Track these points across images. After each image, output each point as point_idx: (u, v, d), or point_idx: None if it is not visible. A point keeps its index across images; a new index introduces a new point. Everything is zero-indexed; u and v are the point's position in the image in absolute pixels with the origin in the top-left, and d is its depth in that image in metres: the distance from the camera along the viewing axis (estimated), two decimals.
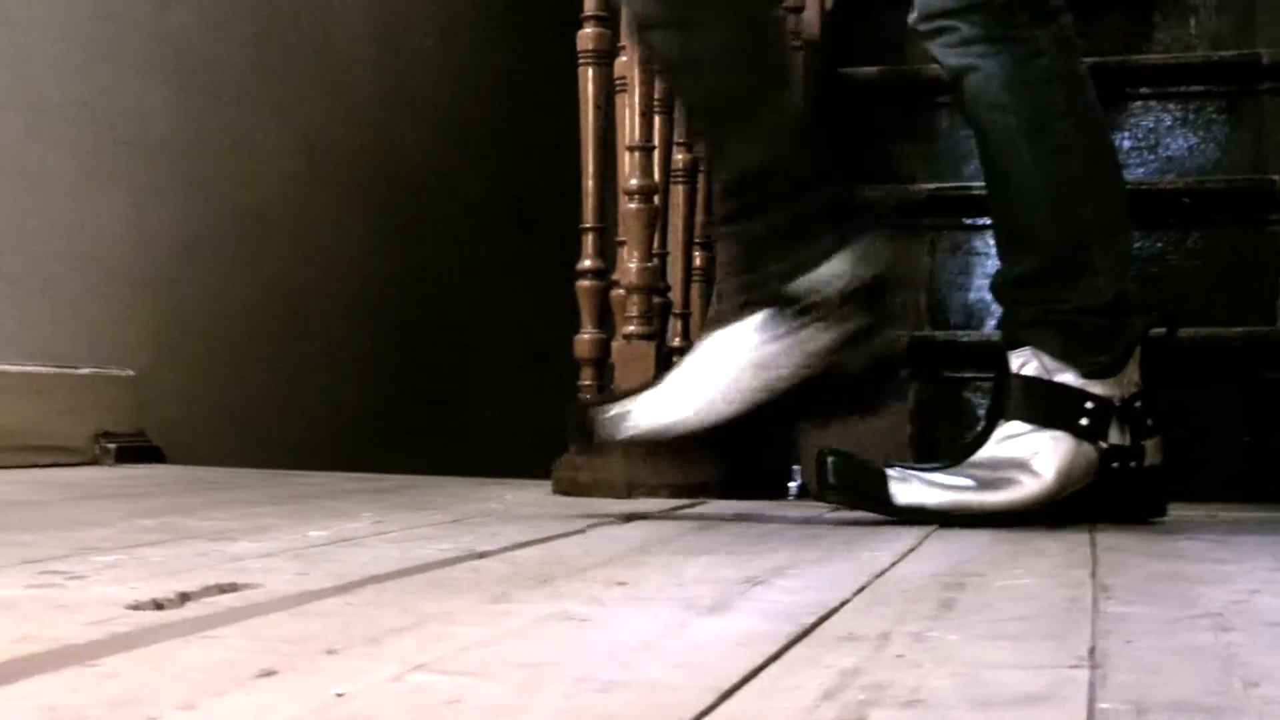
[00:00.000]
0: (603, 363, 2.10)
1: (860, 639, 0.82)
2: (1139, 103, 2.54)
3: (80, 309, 2.49)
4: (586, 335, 2.06)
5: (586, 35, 2.06)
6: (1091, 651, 0.78)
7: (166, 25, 2.66)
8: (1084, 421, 1.58)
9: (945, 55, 1.61)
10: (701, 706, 0.64)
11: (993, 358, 1.80)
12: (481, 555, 1.20)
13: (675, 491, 1.90)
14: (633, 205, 1.92)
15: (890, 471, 1.58)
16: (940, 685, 0.68)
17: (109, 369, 2.52)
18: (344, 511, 1.58)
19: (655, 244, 1.99)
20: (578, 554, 1.24)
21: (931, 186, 2.37)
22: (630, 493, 1.89)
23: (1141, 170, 2.54)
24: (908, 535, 1.44)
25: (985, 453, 1.60)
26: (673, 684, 0.69)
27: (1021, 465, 1.58)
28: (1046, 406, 1.59)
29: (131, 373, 2.56)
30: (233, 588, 0.97)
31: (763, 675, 0.71)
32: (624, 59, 2.01)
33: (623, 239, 2.00)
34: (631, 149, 1.91)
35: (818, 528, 1.55)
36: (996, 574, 1.14)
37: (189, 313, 2.72)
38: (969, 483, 1.58)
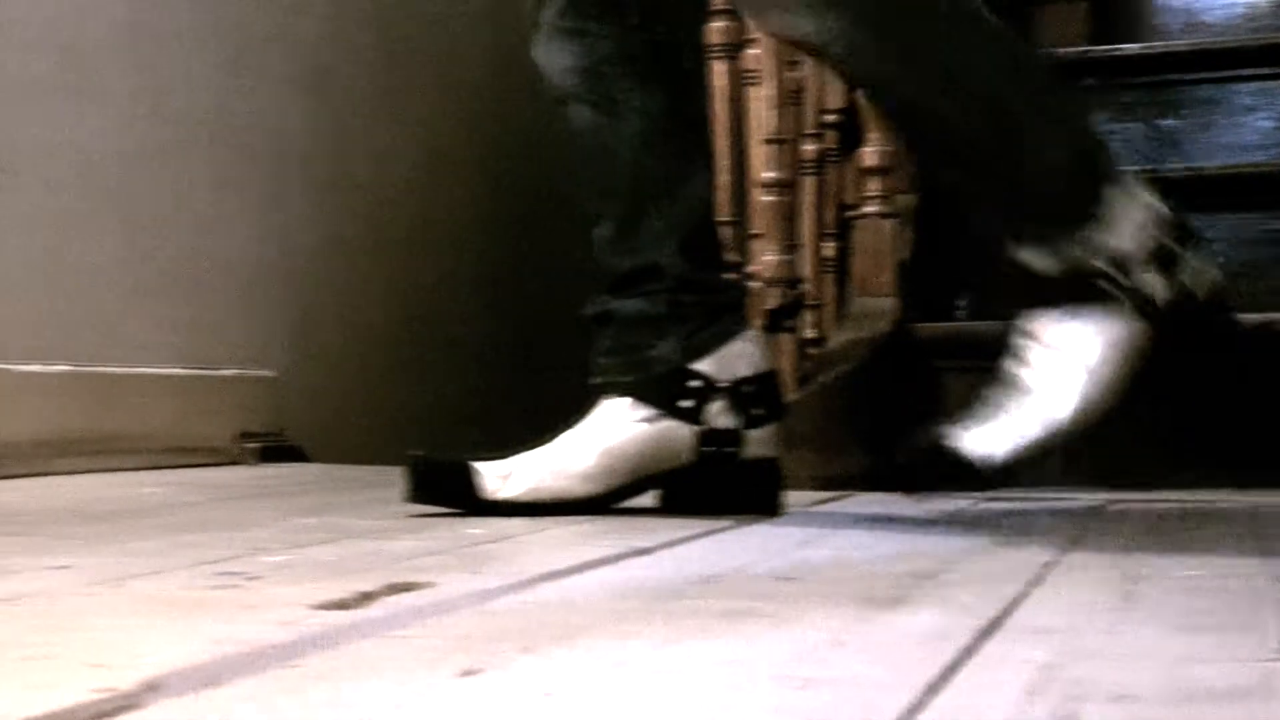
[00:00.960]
0: None
1: (1050, 632, 0.81)
2: None
3: (220, 311, 2.53)
4: None
5: (715, 28, 2.05)
6: None
7: (294, 34, 2.69)
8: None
9: None
10: (907, 703, 0.64)
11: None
12: (643, 552, 1.21)
13: (819, 484, 1.90)
14: (768, 198, 1.91)
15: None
16: (1144, 679, 0.68)
17: (250, 370, 2.56)
18: None
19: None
20: (739, 550, 1.24)
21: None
22: None
23: None
24: (1067, 526, 1.43)
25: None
26: (871, 680, 0.69)
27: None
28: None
29: (271, 373, 2.60)
30: (409, 587, 0.99)
31: (961, 671, 0.71)
32: (754, 51, 2.00)
33: (758, 232, 2.00)
34: (766, 141, 1.91)
35: (971, 519, 1.54)
36: (1170, 565, 1.12)
37: (323, 313, 2.76)
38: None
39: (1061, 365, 1.44)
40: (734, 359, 1.49)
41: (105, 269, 2.30)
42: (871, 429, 1.94)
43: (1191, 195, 2.35)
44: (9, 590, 0.97)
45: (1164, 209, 1.46)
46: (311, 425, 2.68)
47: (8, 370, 2.04)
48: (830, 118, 2.40)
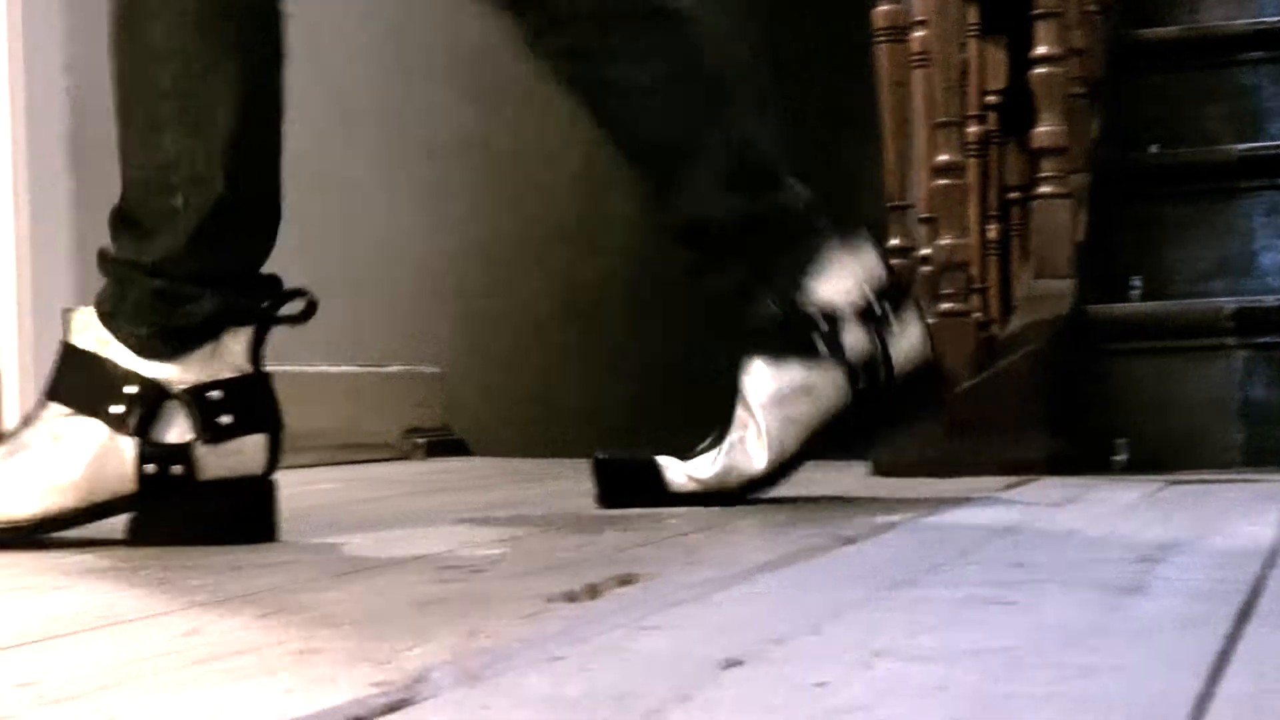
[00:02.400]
0: None
1: None
2: None
3: (387, 308, 2.57)
4: None
5: (881, 12, 2.04)
6: None
7: (453, 36, 2.72)
8: (117, 408, 1.21)
9: None
10: (1195, 692, 0.62)
11: None
12: (849, 540, 1.20)
13: (1000, 469, 1.87)
14: (943, 181, 1.89)
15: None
16: None
17: (416, 366, 2.59)
18: None
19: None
20: (947, 537, 1.23)
21: (1243, 147, 2.29)
22: (954, 472, 1.87)
23: None
24: (1274, 509, 1.40)
25: (15, 442, 1.24)
26: (1147, 668, 0.68)
27: (38, 460, 1.22)
28: (82, 385, 1.23)
29: (437, 369, 2.63)
30: (632, 579, 0.99)
31: (1235, 658, 0.69)
32: (921, 34, 1.98)
33: (930, 215, 1.98)
34: (939, 125, 1.89)
35: (1170, 500, 1.51)
36: None
37: (488, 309, 2.78)
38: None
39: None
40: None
41: (283, 268, 2.33)
42: (1052, 413, 1.91)
43: None
44: (242, 586, 0.99)
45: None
46: (475, 420, 2.70)
47: None
48: (991, 99, 2.38)
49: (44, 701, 0.64)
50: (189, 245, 1.25)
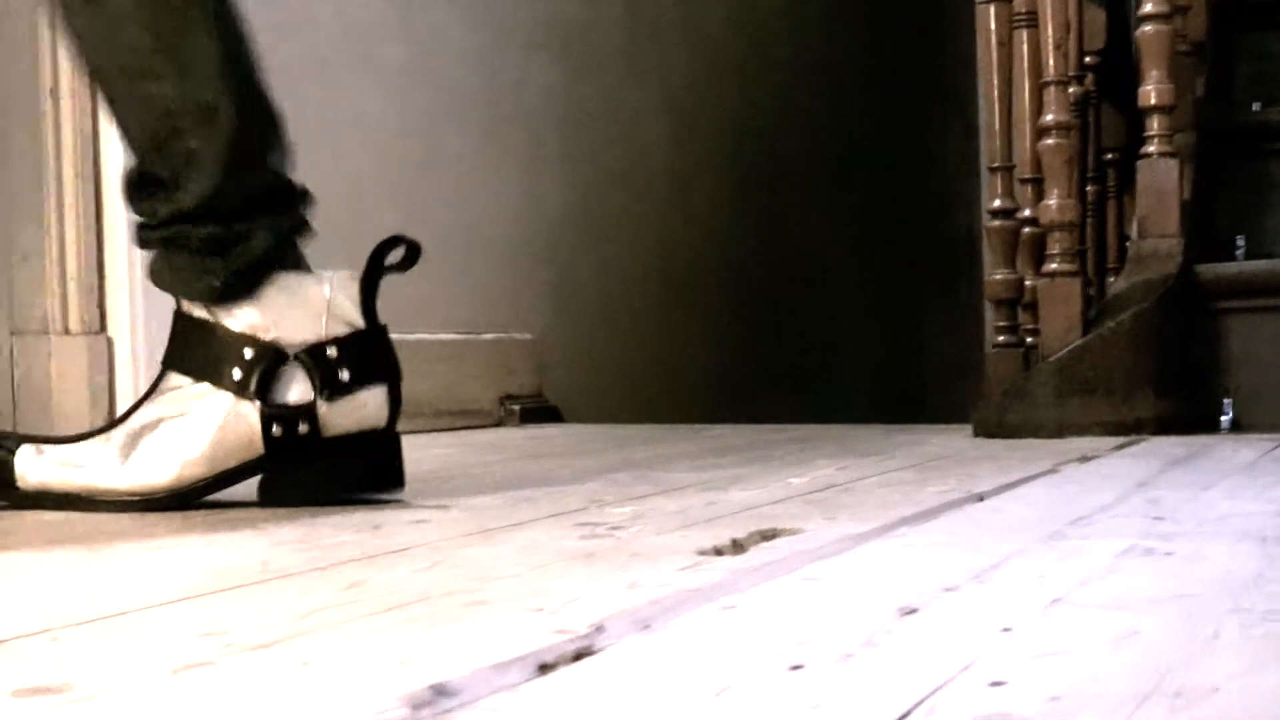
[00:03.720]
0: (1015, 303, 2.07)
1: None
2: None
3: (482, 277, 2.58)
4: (999, 276, 2.03)
5: None
6: None
7: (546, 5, 2.72)
8: (236, 374, 1.21)
9: None
10: None
11: None
12: (981, 497, 1.20)
13: (1107, 430, 1.86)
14: (1051, 141, 1.88)
15: (24, 449, 1.23)
16: None
17: (511, 334, 2.60)
18: (799, 460, 1.59)
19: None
20: (1078, 491, 1.23)
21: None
22: (1061, 432, 1.86)
23: None
24: None
25: (143, 414, 1.23)
26: None
27: (169, 432, 1.21)
28: (199, 353, 1.22)
29: (530, 336, 2.64)
30: (776, 534, 0.99)
31: None
32: None
33: (1036, 177, 1.97)
34: (1048, 84, 1.87)
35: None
36: None
37: (578, 277, 2.79)
38: (106, 457, 1.22)
39: (168, 424, 1.22)
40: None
41: (377, 239, 2.34)
42: (1160, 373, 1.90)
43: None
44: (392, 543, 1.00)
45: (360, 320, 1.25)
46: (567, 387, 2.71)
47: None
48: (1090, 59, 2.36)
49: (236, 650, 0.65)
50: (222, 178, 1.21)
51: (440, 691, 0.58)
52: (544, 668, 0.62)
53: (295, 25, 2.17)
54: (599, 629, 0.69)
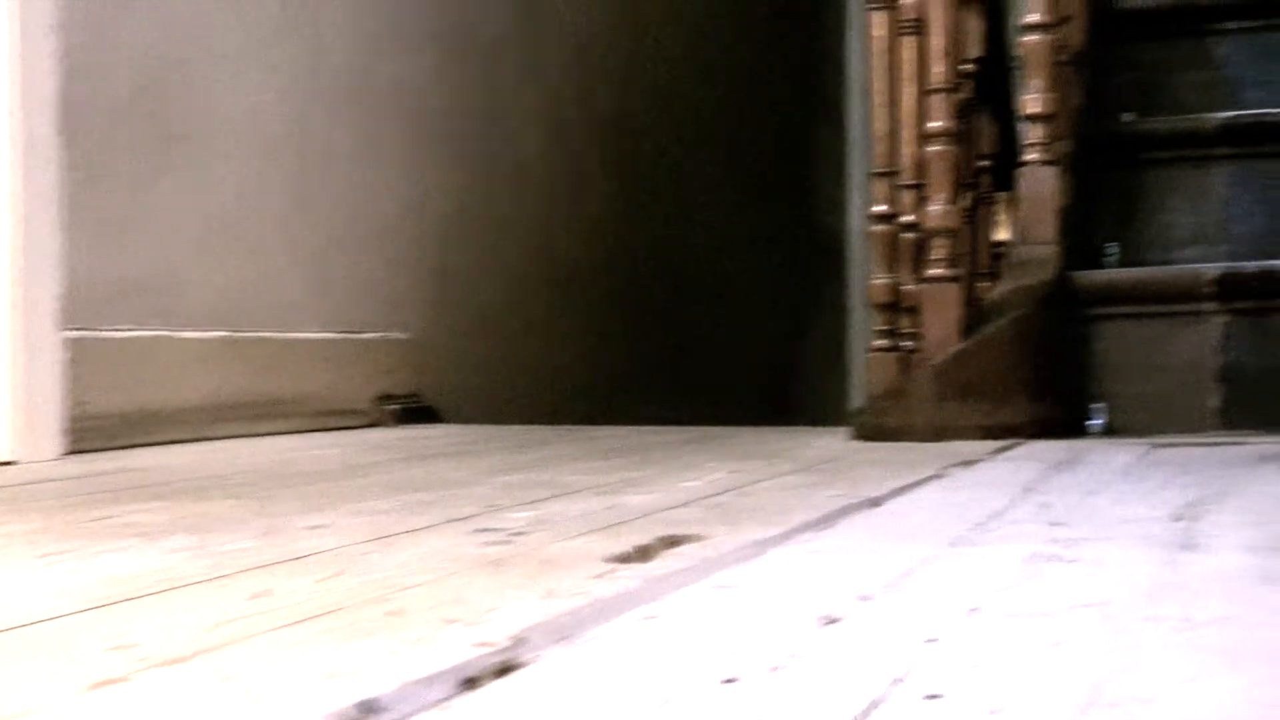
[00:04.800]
0: (894, 307, 2.09)
1: None
2: None
3: (360, 275, 2.54)
4: (880, 281, 2.05)
5: None
6: None
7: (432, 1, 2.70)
8: None
9: None
10: None
11: None
12: (876, 501, 1.21)
13: (984, 434, 1.89)
14: (935, 147, 1.90)
15: None
16: None
17: (388, 333, 2.57)
18: (689, 464, 1.59)
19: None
20: (969, 497, 1.24)
21: (1224, 116, 2.31)
22: (940, 436, 1.88)
23: None
24: (1272, 470, 1.42)
25: None
26: (1251, 620, 0.69)
27: None
28: None
29: (409, 335, 2.61)
30: (680, 540, 0.99)
31: None
32: (913, 1, 1.99)
33: (917, 182, 1.99)
34: (933, 90, 1.89)
35: (1165, 462, 1.53)
36: None
37: (457, 275, 2.76)
38: None
39: None
40: None
41: (265, 235, 2.31)
42: (1036, 378, 1.93)
43: None
44: (291, 550, 0.98)
45: None
46: (445, 387, 2.69)
47: (173, 337, 2.06)
48: (967, 67, 2.38)
49: (150, 664, 0.63)
50: None
51: (369, 709, 0.57)
52: (469, 682, 0.61)
53: (186, 20, 2.13)
54: (520, 641, 0.68)
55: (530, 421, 2.68)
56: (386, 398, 2.56)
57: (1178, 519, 1.06)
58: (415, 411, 2.59)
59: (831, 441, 1.92)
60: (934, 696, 0.56)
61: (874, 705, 0.55)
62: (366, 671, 0.62)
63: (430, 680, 0.60)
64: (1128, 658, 0.61)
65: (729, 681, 0.59)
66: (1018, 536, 0.98)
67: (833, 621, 0.70)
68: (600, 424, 2.51)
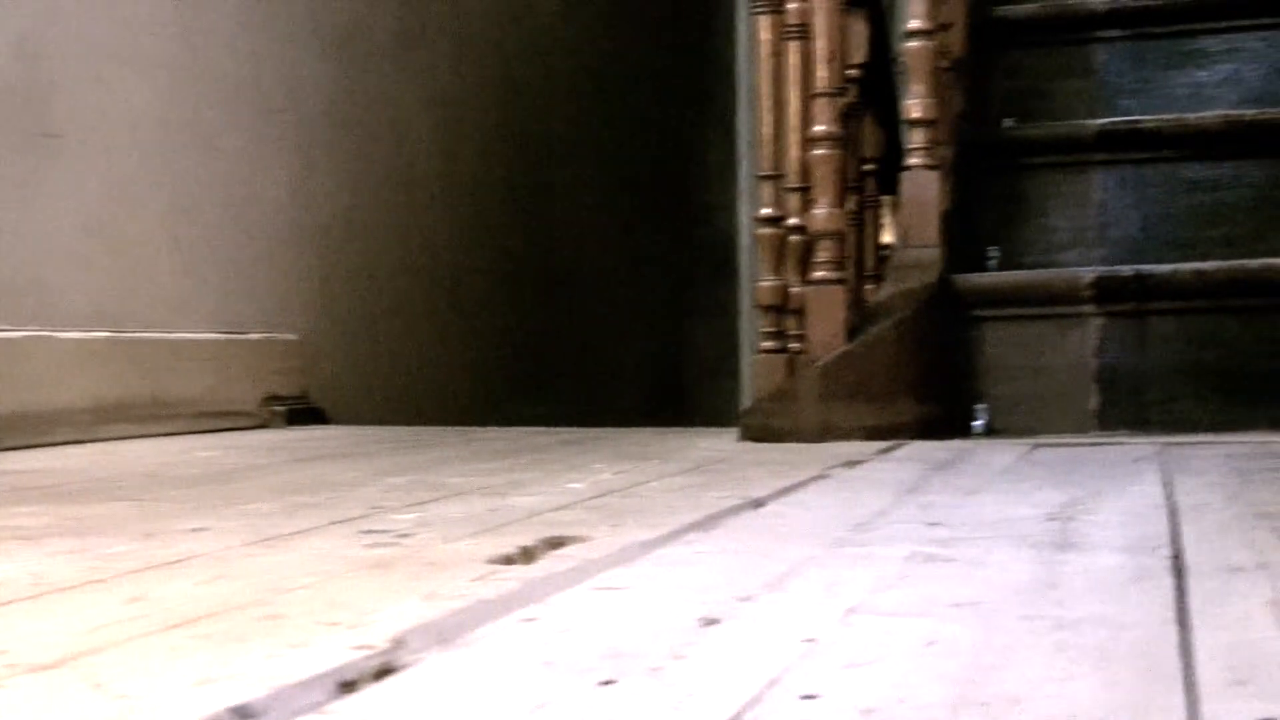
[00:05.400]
0: (781, 309, 2.10)
1: (1243, 570, 0.83)
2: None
3: (247, 274, 2.52)
4: (767, 283, 2.06)
5: None
6: None
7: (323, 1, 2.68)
8: None
9: None
10: (1174, 641, 0.65)
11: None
12: (760, 502, 1.22)
13: (869, 434, 1.91)
14: (820, 151, 1.92)
15: None
16: None
17: (276, 333, 2.55)
18: (575, 464, 1.59)
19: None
20: (852, 497, 1.25)
21: (1101, 122, 2.36)
22: (825, 436, 1.90)
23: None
24: (1148, 468, 1.45)
25: None
26: (1120, 619, 0.70)
27: None
28: None
29: (296, 336, 2.59)
30: (563, 541, 0.99)
31: (1194, 609, 0.72)
32: (796, 5, 2.00)
33: (803, 185, 2.00)
34: (817, 95, 1.91)
35: (1045, 462, 1.56)
36: None
37: (344, 276, 2.75)
38: None
39: None
40: None
41: (146, 235, 2.28)
42: (919, 379, 1.96)
43: None
44: (169, 553, 0.97)
45: None
46: (333, 388, 2.67)
47: (53, 338, 2.03)
48: (852, 72, 2.41)
49: (20, 670, 0.62)
50: None
51: (242, 714, 0.57)
52: (346, 686, 0.61)
53: (65, 15, 2.09)
54: (400, 643, 0.67)
55: (420, 423, 2.67)
56: (274, 399, 2.54)
57: (1054, 519, 1.08)
58: (303, 413, 2.57)
59: (719, 443, 1.93)
60: (809, 697, 0.56)
61: (749, 706, 0.55)
62: (242, 676, 0.61)
63: (306, 684, 0.60)
64: (1000, 657, 0.62)
65: (606, 683, 0.59)
66: (898, 537, 0.99)
67: (712, 623, 0.71)
68: (490, 426, 2.50)
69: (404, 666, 0.63)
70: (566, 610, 0.76)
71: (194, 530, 1.08)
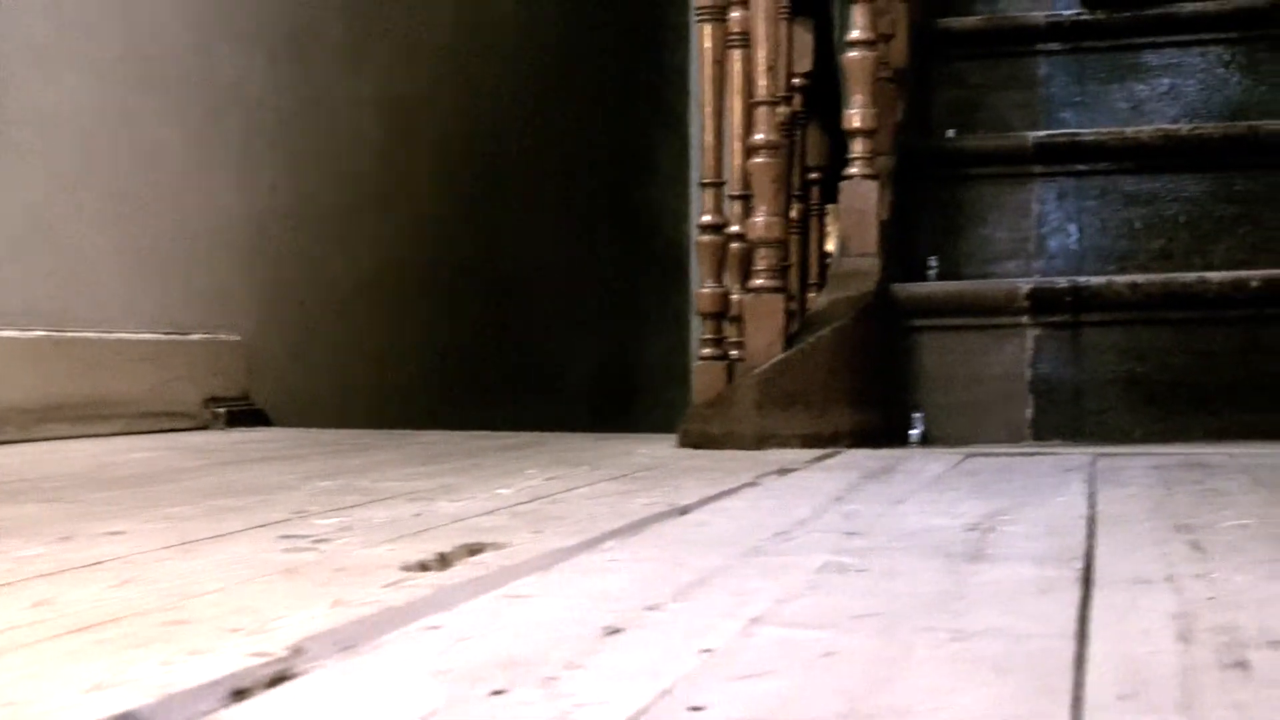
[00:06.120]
0: (721, 316, 2.11)
1: (1150, 582, 0.83)
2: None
3: (190, 275, 2.51)
4: (707, 290, 2.07)
5: None
6: None
7: None
8: None
9: None
10: (1070, 654, 0.65)
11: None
12: (685, 510, 1.22)
13: (806, 442, 1.92)
14: (760, 159, 1.92)
15: None
16: None
17: (218, 334, 2.54)
18: (508, 470, 1.59)
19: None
20: (778, 506, 1.26)
21: (1040, 134, 2.38)
22: (763, 444, 1.91)
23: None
24: (1076, 479, 1.46)
25: None
26: (1019, 631, 0.70)
27: None
28: None
29: (238, 338, 2.58)
30: (481, 548, 0.99)
31: (1095, 621, 0.73)
32: (740, 14, 2.01)
33: (744, 193, 2.01)
34: (757, 104, 1.92)
35: (976, 472, 1.56)
36: (1212, 517, 1.15)
37: (290, 277, 2.73)
38: None
39: None
40: None
41: (87, 235, 2.26)
42: (857, 387, 1.96)
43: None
44: (83, 556, 0.96)
45: None
46: (278, 390, 2.66)
47: None
48: (798, 81, 2.42)
49: None
50: None
51: None
52: (239, 694, 0.61)
53: (5, 13, 2.08)
54: (298, 651, 0.67)
55: (365, 425, 2.66)
56: (216, 400, 2.53)
57: (973, 529, 1.08)
58: (245, 414, 2.56)
59: (658, 449, 1.93)
60: (697, 709, 0.56)
61: (636, 717, 0.55)
62: (135, 683, 0.61)
63: (198, 692, 0.60)
64: (893, 669, 0.63)
65: (497, 693, 0.59)
66: (815, 546, 1.00)
67: (615, 632, 0.71)
68: (436, 428, 2.50)
69: (299, 674, 0.63)
70: (472, 618, 0.76)
71: (113, 533, 1.07)
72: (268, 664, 0.64)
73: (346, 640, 0.71)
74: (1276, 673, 0.62)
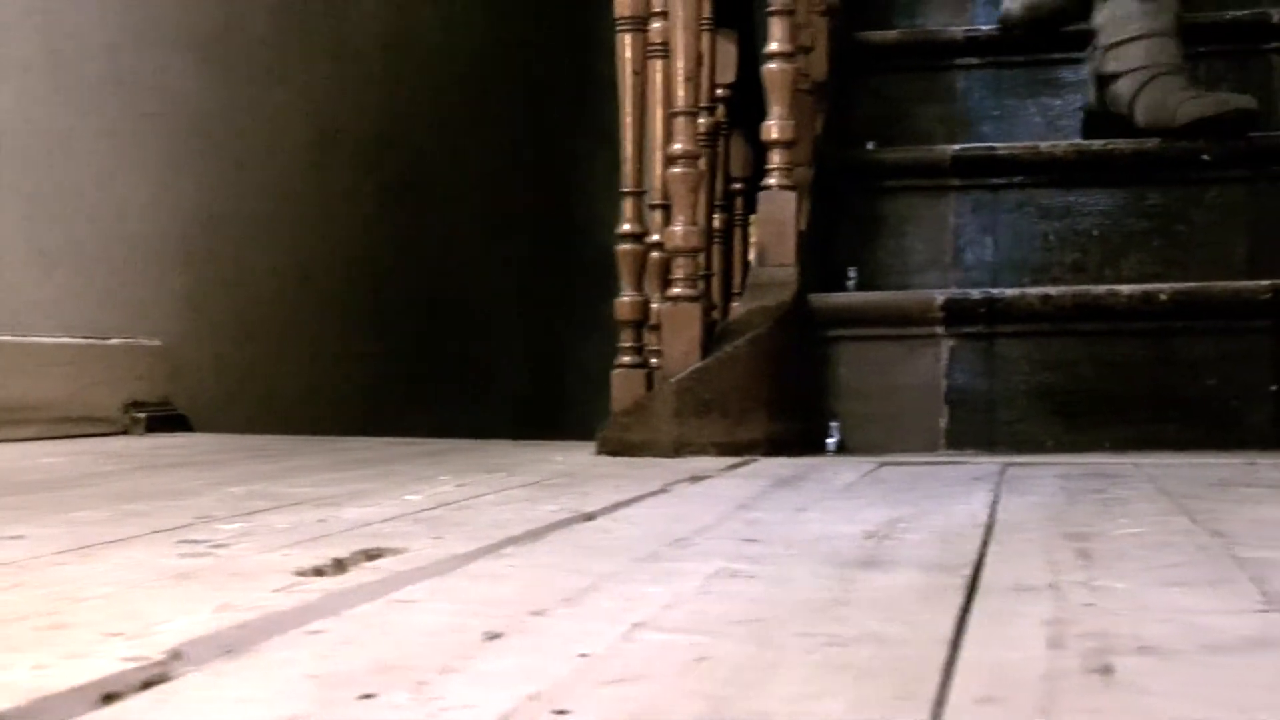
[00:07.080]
0: (641, 325, 2.12)
1: (1033, 589, 0.85)
2: None
3: (109, 279, 2.49)
4: (627, 298, 2.08)
5: (623, 2, 2.06)
6: (1265, 594, 0.81)
7: (189, 2, 2.65)
8: None
9: None
10: (941, 659, 0.66)
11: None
12: (591, 516, 1.23)
13: (722, 450, 1.93)
14: (677, 169, 1.93)
15: None
16: (1159, 632, 0.71)
17: (138, 339, 2.52)
18: (422, 476, 1.59)
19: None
20: (682, 513, 1.26)
21: (956, 148, 2.40)
22: (680, 452, 1.91)
23: None
24: (981, 488, 1.47)
25: None
26: (894, 637, 0.71)
27: None
28: None
29: (158, 342, 2.56)
30: (379, 553, 0.99)
31: (972, 628, 0.74)
32: (660, 24, 2.02)
33: (664, 203, 2.02)
34: (676, 114, 1.93)
35: (886, 480, 1.58)
36: (1106, 524, 1.17)
37: (212, 282, 2.72)
38: None
39: None
40: None
41: (3, 238, 2.24)
42: (773, 396, 1.98)
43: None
44: None
45: None
46: (197, 396, 2.65)
47: None
48: (721, 91, 2.43)
49: None
50: None
51: None
52: (109, 698, 0.61)
53: None
54: (176, 655, 0.67)
55: (289, 432, 2.64)
56: (136, 405, 2.51)
57: (872, 536, 1.10)
58: (166, 420, 2.55)
59: (576, 456, 1.94)
60: (561, 712, 0.57)
61: None
62: (7, 687, 0.61)
63: (68, 695, 0.60)
64: (762, 674, 0.64)
65: (366, 697, 0.59)
66: (712, 553, 1.01)
67: (495, 637, 0.72)
68: (361, 435, 2.49)
69: (171, 679, 0.63)
70: (357, 623, 0.76)
71: (10, 538, 1.06)
72: (143, 668, 0.64)
73: (228, 645, 0.71)
74: (1138, 678, 0.63)
